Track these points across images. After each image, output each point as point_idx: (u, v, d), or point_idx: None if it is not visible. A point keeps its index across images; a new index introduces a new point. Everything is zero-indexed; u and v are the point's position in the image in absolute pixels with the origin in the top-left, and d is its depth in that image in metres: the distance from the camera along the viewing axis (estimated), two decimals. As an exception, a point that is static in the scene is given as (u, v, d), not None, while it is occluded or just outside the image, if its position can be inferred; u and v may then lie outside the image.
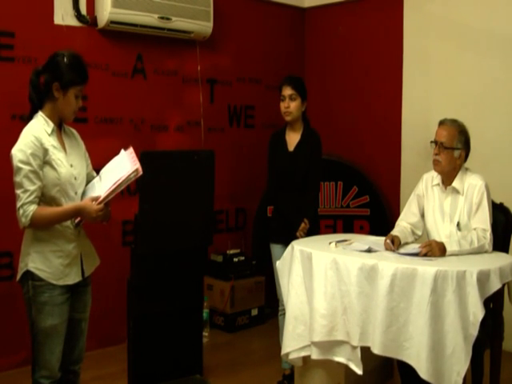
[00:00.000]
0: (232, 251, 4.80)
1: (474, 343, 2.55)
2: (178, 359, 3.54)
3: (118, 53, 4.22)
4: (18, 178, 2.43)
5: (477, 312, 2.54)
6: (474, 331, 2.54)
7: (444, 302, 2.57)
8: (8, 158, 4.00)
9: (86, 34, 4.06)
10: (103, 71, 4.14)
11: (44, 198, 2.48)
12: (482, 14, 4.27)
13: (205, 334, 4.11)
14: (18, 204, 2.44)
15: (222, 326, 4.65)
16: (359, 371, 2.81)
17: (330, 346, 2.91)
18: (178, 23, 4.28)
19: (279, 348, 3.20)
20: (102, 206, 2.48)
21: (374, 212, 4.87)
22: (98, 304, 3.85)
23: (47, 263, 2.50)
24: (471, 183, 3.03)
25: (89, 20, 4.06)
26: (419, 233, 3.24)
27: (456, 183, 3.07)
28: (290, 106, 3.54)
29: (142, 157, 3.27)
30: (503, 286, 2.77)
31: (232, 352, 4.19)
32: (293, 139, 3.62)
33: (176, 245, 3.46)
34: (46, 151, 2.47)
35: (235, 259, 4.73)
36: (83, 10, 4.04)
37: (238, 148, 5.00)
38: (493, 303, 2.87)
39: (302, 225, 3.48)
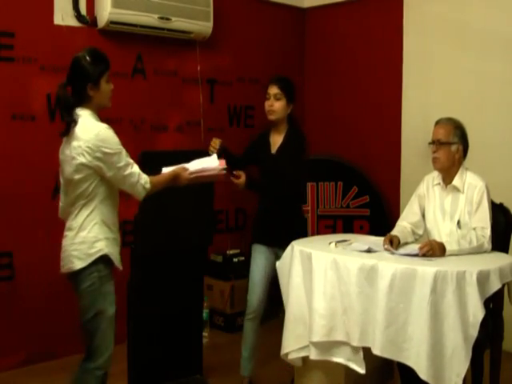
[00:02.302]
0: (232, 251, 4.80)
1: (474, 343, 2.55)
2: (178, 359, 3.54)
3: (117, 53, 4.22)
4: (123, 161, 2.57)
5: (477, 312, 2.54)
6: (474, 332, 2.53)
7: (444, 303, 2.56)
8: (7, 158, 4.01)
9: (86, 34, 4.06)
10: (103, 71, 4.14)
11: (112, 188, 2.63)
12: (482, 14, 4.26)
13: (205, 334, 4.11)
14: (135, 178, 2.60)
15: (221, 326, 4.65)
16: (362, 371, 2.80)
17: (329, 346, 2.91)
18: (178, 23, 4.28)
19: (279, 348, 3.20)
20: (192, 176, 2.83)
21: (374, 212, 4.87)
22: (98, 304, 3.85)
23: (115, 249, 2.67)
24: (471, 183, 3.05)
25: (89, 20, 4.06)
26: (420, 232, 3.23)
27: (456, 181, 3.08)
28: (274, 105, 3.43)
29: (141, 157, 3.28)
30: (503, 286, 2.77)
31: (232, 352, 4.18)
32: (276, 141, 3.52)
33: (176, 245, 3.46)
34: None
35: (235, 259, 4.73)
36: (83, 10, 4.04)
37: (238, 148, 4.99)
38: (493, 303, 2.87)
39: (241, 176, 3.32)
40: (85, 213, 2.60)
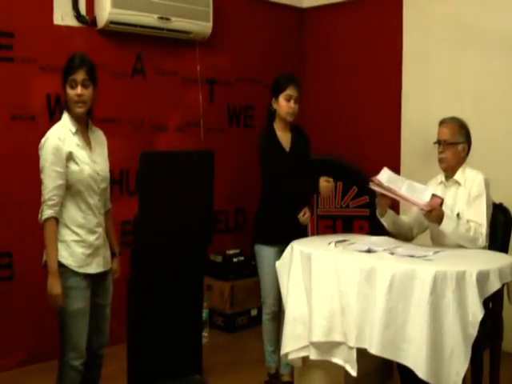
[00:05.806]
0: (231, 251, 4.80)
1: (474, 343, 2.55)
2: (178, 359, 3.53)
3: (117, 53, 4.22)
4: (41, 174, 2.66)
5: (476, 312, 2.54)
6: (474, 331, 2.54)
7: (443, 303, 2.56)
8: (7, 158, 4.01)
9: (86, 34, 4.06)
10: (102, 71, 4.09)
11: (70, 192, 2.68)
12: (482, 14, 4.26)
13: (204, 334, 4.11)
14: (42, 198, 2.66)
15: (221, 326, 4.65)
16: (353, 373, 2.80)
17: (329, 346, 2.91)
18: (178, 23, 4.28)
19: (278, 348, 3.21)
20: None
21: (374, 212, 4.82)
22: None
23: (69, 251, 2.69)
24: (471, 177, 3.10)
25: (88, 20, 4.06)
26: (416, 231, 3.32)
27: (458, 176, 3.14)
28: (296, 107, 3.48)
29: (141, 157, 3.29)
30: (503, 286, 2.77)
31: (231, 352, 4.19)
32: (285, 139, 3.54)
33: (175, 245, 3.46)
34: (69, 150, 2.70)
35: (235, 259, 4.73)
36: (83, 10, 4.04)
37: (238, 148, 5.00)
38: (492, 303, 2.87)
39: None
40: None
